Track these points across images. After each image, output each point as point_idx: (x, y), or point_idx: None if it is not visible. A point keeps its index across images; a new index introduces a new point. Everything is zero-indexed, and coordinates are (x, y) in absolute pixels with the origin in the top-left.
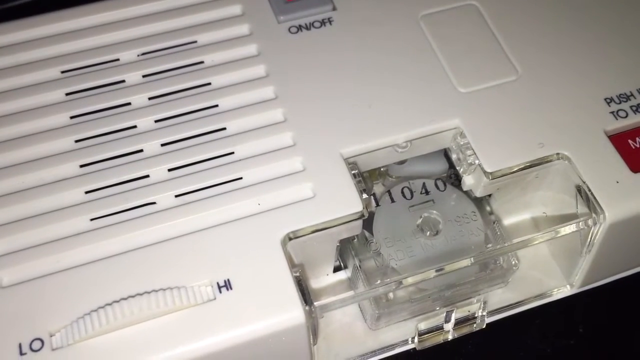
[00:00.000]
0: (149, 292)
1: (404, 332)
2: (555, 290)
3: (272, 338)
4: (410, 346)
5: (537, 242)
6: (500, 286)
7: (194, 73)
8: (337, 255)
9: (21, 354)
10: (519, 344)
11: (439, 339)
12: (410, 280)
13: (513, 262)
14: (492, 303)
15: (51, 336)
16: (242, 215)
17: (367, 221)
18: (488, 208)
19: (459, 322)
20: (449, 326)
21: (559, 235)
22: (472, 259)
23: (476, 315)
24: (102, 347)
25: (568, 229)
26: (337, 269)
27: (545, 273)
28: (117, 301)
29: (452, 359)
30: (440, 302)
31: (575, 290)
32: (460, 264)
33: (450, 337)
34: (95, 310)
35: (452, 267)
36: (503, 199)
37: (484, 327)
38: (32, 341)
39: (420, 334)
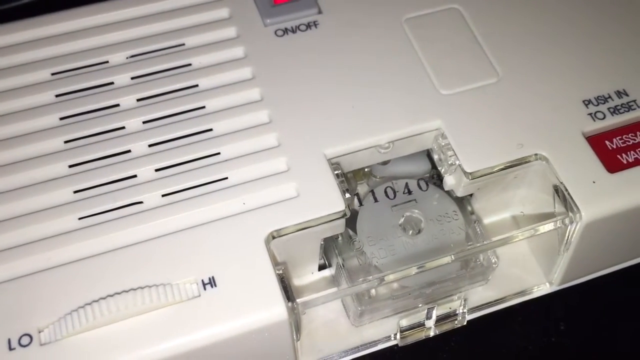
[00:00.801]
0: (135, 289)
1: (387, 329)
2: (535, 287)
3: (255, 334)
4: (392, 342)
5: (515, 240)
6: (481, 284)
7: (182, 75)
8: (322, 253)
9: (10, 349)
10: (501, 342)
11: (420, 335)
12: (392, 277)
13: (493, 260)
14: (473, 300)
15: (40, 332)
16: (227, 214)
17: (351, 220)
18: (469, 208)
19: (440, 319)
20: (430, 323)
21: (537, 233)
22: (452, 256)
23: (457, 312)
24: (89, 343)
25: (546, 227)
26: (322, 268)
27: (525, 271)
28: (104, 298)
29: (435, 356)
30: (421, 299)
31: (554, 288)
32: (441, 261)
33: (431, 333)
34: (82, 307)
35: (432, 264)
36: (484, 199)
37: (464, 324)
38: (21, 337)
39: (402, 331)
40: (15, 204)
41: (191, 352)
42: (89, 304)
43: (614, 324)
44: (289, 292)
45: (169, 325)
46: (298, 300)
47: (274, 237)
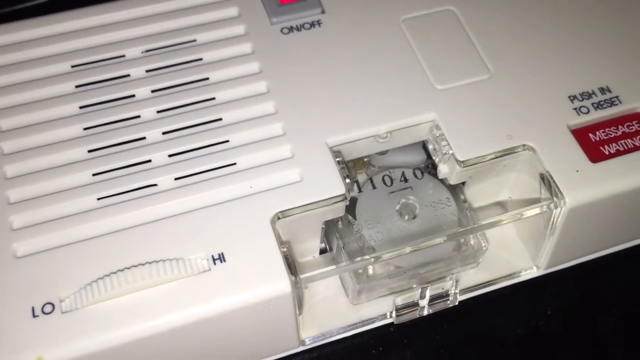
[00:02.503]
0: (150, 263)
1: (383, 308)
2: (523, 271)
3: (261, 306)
4: (388, 320)
5: (503, 222)
6: (472, 266)
7: (193, 69)
8: (323, 237)
9: (34, 316)
10: (491, 325)
11: (414, 314)
12: (388, 255)
13: (483, 244)
14: (465, 282)
15: (61, 301)
16: (236, 197)
17: (351, 206)
18: (462, 195)
19: (433, 299)
20: (424, 302)
21: (524, 217)
22: (444, 237)
23: (449, 292)
24: (107, 311)
25: (532, 211)
26: (323, 253)
27: (513, 255)
28: (122, 270)
29: (428, 335)
30: (416, 280)
31: (541, 272)
32: (433, 242)
33: (425, 312)
34: (101, 278)
35: (426, 244)
36: (475, 187)
37: (456, 304)
38: (44, 305)
39: (397, 309)
40: (39, 185)
41: (201, 322)
42: (108, 275)
43: (599, 309)
44: (292, 267)
45: (180, 296)
46: (301, 275)
47: (279, 218)
